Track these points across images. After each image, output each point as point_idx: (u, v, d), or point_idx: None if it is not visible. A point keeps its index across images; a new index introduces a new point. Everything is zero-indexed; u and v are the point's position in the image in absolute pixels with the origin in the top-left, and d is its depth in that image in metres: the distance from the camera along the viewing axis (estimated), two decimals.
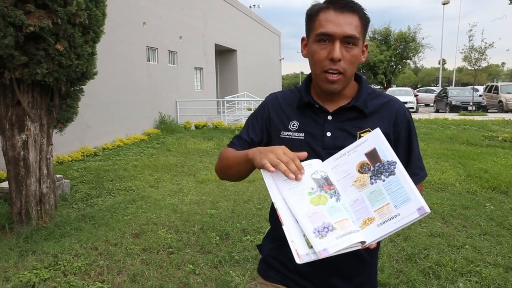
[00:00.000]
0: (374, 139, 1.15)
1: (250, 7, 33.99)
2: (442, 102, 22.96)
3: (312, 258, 1.04)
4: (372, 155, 1.14)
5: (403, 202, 1.07)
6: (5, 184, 5.61)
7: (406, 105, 15.02)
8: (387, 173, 1.11)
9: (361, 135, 1.27)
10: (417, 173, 1.24)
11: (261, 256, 1.51)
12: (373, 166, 1.14)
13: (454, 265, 3.49)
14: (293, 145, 1.26)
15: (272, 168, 1.08)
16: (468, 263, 3.53)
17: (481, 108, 20.83)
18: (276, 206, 1.11)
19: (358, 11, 1.23)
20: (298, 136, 1.29)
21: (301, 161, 1.14)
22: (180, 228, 4.44)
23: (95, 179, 6.73)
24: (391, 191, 1.09)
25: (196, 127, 13.69)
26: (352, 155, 1.17)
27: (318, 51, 1.23)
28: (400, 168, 1.11)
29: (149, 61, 12.79)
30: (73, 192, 5.96)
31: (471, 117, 15.95)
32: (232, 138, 1.45)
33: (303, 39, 1.34)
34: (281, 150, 1.13)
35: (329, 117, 1.31)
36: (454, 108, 20.94)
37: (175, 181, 6.76)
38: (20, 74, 3.74)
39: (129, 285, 3.20)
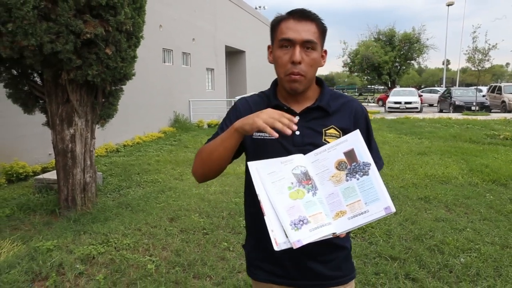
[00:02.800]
0: (353, 140, 1.26)
1: (256, 8, 34.45)
2: (446, 102, 23.37)
3: (288, 246, 1.17)
4: (350, 155, 1.25)
5: (373, 201, 1.19)
6: (48, 175, 6.16)
7: (411, 105, 15.59)
8: (362, 173, 1.22)
9: (326, 131, 1.41)
10: (375, 162, 1.27)
11: (246, 257, 1.62)
12: (349, 164, 1.24)
13: (457, 243, 3.97)
14: (266, 145, 1.39)
15: (270, 129, 1.20)
16: (469, 242, 4.02)
17: (484, 108, 21.21)
18: (259, 197, 1.21)
19: (315, 19, 1.37)
20: (269, 136, 1.32)
21: (283, 156, 1.30)
22: (210, 213, 4.95)
23: (123, 172, 7.25)
24: (363, 189, 1.21)
25: (209, 125, 14.23)
26: (332, 152, 1.27)
27: (281, 56, 1.36)
28: (373, 170, 1.22)
29: (164, 62, 13.32)
30: (105, 184, 6.48)
31: (474, 117, 16.40)
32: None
33: (268, 47, 1.47)
34: (269, 111, 1.25)
35: (297, 118, 1.39)
36: (457, 108, 21.34)
37: None
38: (74, 75, 4.25)
39: (175, 258, 3.71)
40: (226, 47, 19.42)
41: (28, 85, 4.83)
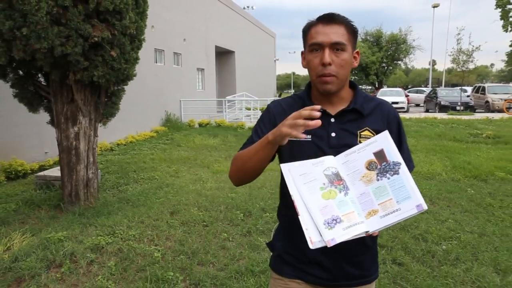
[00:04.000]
0: (382, 141, 1.29)
1: (244, 8, 34.72)
2: (431, 102, 23.90)
3: (323, 244, 1.20)
4: (380, 155, 1.27)
5: (404, 199, 1.21)
6: (48, 172, 6.36)
7: (397, 105, 16.05)
8: (392, 172, 1.25)
9: (361, 133, 1.44)
10: (406, 164, 1.29)
11: (272, 253, 1.64)
12: (380, 164, 1.27)
13: (439, 232, 4.31)
14: (301, 146, 1.42)
15: (296, 133, 1.22)
16: (450, 231, 4.36)
17: (468, 108, 21.76)
18: (293, 198, 1.24)
19: (343, 22, 1.41)
20: (305, 138, 1.37)
21: (315, 158, 1.33)
22: (209, 207, 5.22)
23: (120, 170, 7.46)
24: (394, 188, 1.23)
25: (200, 125, 14.45)
26: (362, 153, 1.30)
27: (312, 59, 1.40)
28: (403, 169, 1.25)
29: (156, 62, 13.52)
30: (104, 181, 6.69)
31: (458, 117, 16.88)
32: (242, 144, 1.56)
33: (302, 52, 1.51)
34: (291, 115, 1.25)
35: (332, 120, 1.45)
36: (443, 108, 21.85)
37: (192, 172, 7.52)
38: (81, 76, 4.48)
39: (179, 247, 3.97)
40: (216, 47, 19.67)
41: (34, 85, 5.03)
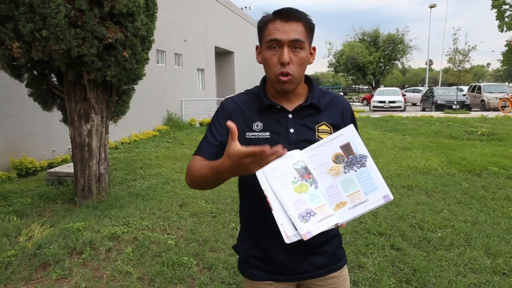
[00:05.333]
0: (349, 134, 1.31)
1: (242, 8, 34.96)
2: (428, 101, 24.22)
3: (298, 238, 1.22)
4: (346, 148, 1.29)
5: (371, 190, 1.25)
6: (59, 169, 6.59)
7: (394, 104, 16.32)
8: (359, 165, 1.28)
9: (318, 128, 1.44)
10: None
11: (238, 257, 1.60)
12: (346, 157, 1.29)
13: (435, 221, 4.57)
14: (260, 144, 1.25)
15: (270, 160, 1.08)
16: (445, 220, 4.62)
17: (464, 107, 22.09)
18: (266, 193, 1.24)
19: (302, 18, 1.37)
20: (264, 135, 1.36)
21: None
22: (216, 200, 5.47)
23: (126, 167, 7.70)
24: (362, 180, 1.27)
25: (201, 124, 14.70)
26: (328, 146, 1.31)
27: (270, 57, 1.37)
28: (370, 161, 1.29)
29: (158, 63, 13.76)
30: (112, 177, 6.91)
31: (454, 115, 17.19)
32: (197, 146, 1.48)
33: (257, 47, 1.47)
34: (248, 160, 1.07)
35: (290, 116, 1.44)
36: (439, 107, 22.18)
37: None
38: (94, 76, 4.72)
39: (190, 236, 4.23)
40: (216, 48, 19.91)
41: (47, 85, 5.26)
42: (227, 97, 1.57)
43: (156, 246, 3.97)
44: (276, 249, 1.44)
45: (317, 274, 1.51)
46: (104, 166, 5.56)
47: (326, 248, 1.51)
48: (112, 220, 4.61)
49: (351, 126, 1.34)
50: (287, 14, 1.36)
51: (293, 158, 1.30)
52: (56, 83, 5.38)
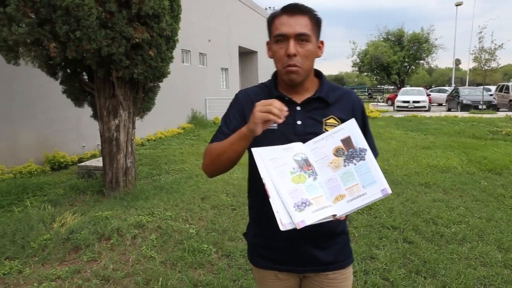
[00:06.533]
0: (350, 128, 1.33)
1: (266, 9, 35.13)
2: (453, 102, 23.83)
3: (293, 226, 1.22)
4: (347, 142, 1.31)
5: (370, 184, 1.26)
6: (89, 163, 6.94)
7: (419, 104, 16.19)
8: (359, 158, 1.29)
9: (326, 121, 1.47)
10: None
11: (247, 244, 1.67)
12: (346, 151, 1.31)
13: (449, 217, 4.65)
14: (268, 134, 1.37)
15: (271, 116, 1.24)
16: (460, 217, 4.70)
17: (491, 107, 21.64)
18: (264, 181, 1.27)
19: (307, 12, 1.42)
20: (271, 126, 1.35)
21: (284, 144, 1.36)
22: (236, 194, 5.69)
23: (152, 162, 8.01)
24: (361, 173, 1.27)
25: None
26: (330, 140, 1.34)
27: (277, 50, 1.42)
28: (369, 155, 1.30)
29: (183, 62, 14.11)
30: (138, 172, 7.21)
31: (480, 115, 16.91)
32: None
33: (267, 43, 1.53)
34: (260, 102, 1.28)
35: (298, 108, 1.47)
36: (465, 107, 21.80)
37: None
38: (122, 73, 5.00)
39: (211, 225, 4.45)
40: (239, 47, 20.20)
41: (79, 82, 5.59)
42: (241, 89, 1.63)
43: (178, 234, 4.21)
44: (280, 240, 1.46)
45: (320, 269, 1.54)
46: (131, 159, 5.85)
47: (331, 244, 1.53)
48: (137, 210, 4.88)
49: (353, 120, 1.36)
50: (293, 9, 1.41)
51: (294, 150, 1.34)
52: (87, 80, 5.70)
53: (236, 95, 1.59)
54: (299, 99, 1.49)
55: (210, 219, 4.69)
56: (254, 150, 1.33)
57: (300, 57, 1.40)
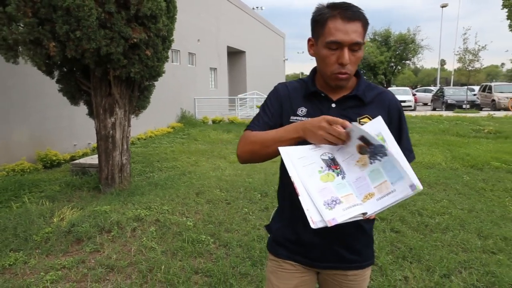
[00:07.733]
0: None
1: (253, 8, 35.31)
2: (438, 101, 24.33)
3: (323, 224, 1.20)
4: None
5: (397, 180, 1.20)
6: (83, 160, 7.05)
7: (404, 103, 16.56)
8: (382, 154, 1.24)
9: (360, 121, 1.44)
10: (406, 154, 1.26)
11: (269, 236, 1.69)
12: (368, 148, 1.26)
13: (433, 209, 4.91)
14: None
15: (332, 141, 1.27)
16: (444, 208, 4.96)
17: (475, 106, 22.17)
18: (292, 179, 1.25)
19: (362, 18, 1.37)
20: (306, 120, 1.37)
21: (308, 144, 1.34)
22: (229, 189, 5.87)
23: (144, 160, 8.14)
24: (387, 170, 1.22)
25: (213, 122, 15.13)
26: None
27: (329, 56, 1.38)
28: (390, 151, 1.23)
29: (172, 62, 14.23)
30: (131, 169, 7.36)
31: (463, 114, 17.35)
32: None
33: (309, 39, 1.47)
34: (325, 123, 1.27)
35: (333, 105, 1.47)
36: (449, 107, 22.26)
37: (210, 162, 8.18)
38: (120, 73, 5.14)
39: (207, 218, 4.63)
40: (228, 47, 20.36)
41: (76, 81, 5.71)
42: (280, 82, 1.65)
43: (176, 226, 4.38)
44: (307, 234, 1.48)
45: (340, 266, 1.54)
46: (126, 157, 5.99)
47: (355, 244, 1.53)
48: (135, 205, 5.03)
49: (379, 117, 1.33)
50: (350, 13, 1.35)
51: (321, 149, 1.33)
52: (83, 79, 5.82)
53: (276, 87, 1.61)
54: (335, 96, 1.49)
55: (206, 212, 4.87)
56: (282, 150, 1.33)
57: (350, 64, 1.39)
